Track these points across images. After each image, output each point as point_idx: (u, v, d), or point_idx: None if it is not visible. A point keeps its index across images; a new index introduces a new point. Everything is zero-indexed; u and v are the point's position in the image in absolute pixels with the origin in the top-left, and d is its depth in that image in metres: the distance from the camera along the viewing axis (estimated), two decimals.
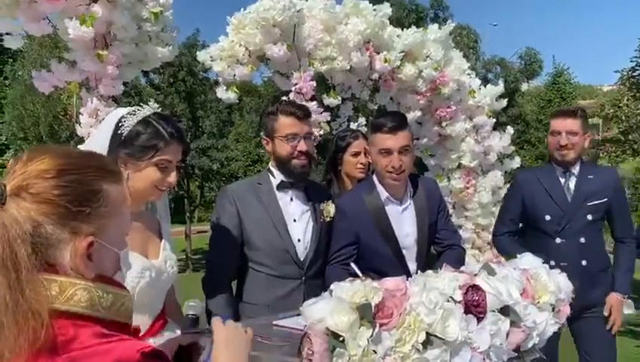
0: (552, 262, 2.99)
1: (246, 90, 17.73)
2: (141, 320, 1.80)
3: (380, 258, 2.49)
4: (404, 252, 2.54)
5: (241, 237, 2.41)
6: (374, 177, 2.59)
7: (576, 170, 3.12)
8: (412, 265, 2.54)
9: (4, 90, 16.38)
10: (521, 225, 3.28)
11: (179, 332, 1.91)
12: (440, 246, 2.69)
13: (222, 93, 3.46)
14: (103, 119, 2.72)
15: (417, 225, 2.56)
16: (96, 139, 1.87)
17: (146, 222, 1.92)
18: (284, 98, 3.27)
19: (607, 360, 3.08)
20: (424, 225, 2.58)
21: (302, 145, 2.39)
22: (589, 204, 3.03)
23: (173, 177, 1.82)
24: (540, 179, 3.17)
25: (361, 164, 3.06)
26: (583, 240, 3.02)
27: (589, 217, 3.02)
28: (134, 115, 1.80)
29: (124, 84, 2.90)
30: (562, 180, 3.12)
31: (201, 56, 3.45)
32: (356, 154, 3.08)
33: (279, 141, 2.41)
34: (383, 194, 2.53)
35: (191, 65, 16.57)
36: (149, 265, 1.80)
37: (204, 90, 17.54)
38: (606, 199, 3.03)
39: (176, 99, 16.76)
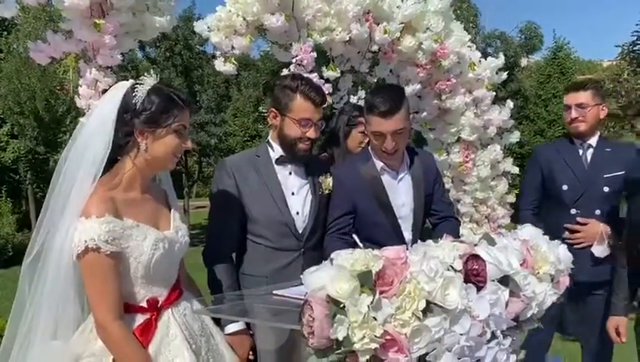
0: (567, 233, 3.05)
1: (243, 64, 17.60)
2: (158, 292, 1.84)
3: (376, 227, 2.52)
4: (399, 221, 2.56)
5: (240, 209, 2.40)
6: (370, 148, 2.60)
7: (593, 141, 3.16)
8: (407, 235, 2.57)
9: None
10: None
11: (195, 301, 1.95)
12: (435, 218, 2.72)
13: (220, 65, 3.41)
14: (103, 90, 2.71)
15: (413, 195, 2.57)
16: (99, 113, 1.83)
17: (154, 193, 1.94)
18: (286, 71, 3.24)
19: (603, 346, 3.09)
20: (420, 195, 2.60)
21: (311, 133, 2.36)
22: (605, 175, 3.04)
23: (189, 143, 1.86)
24: (558, 150, 3.23)
25: (365, 143, 3.09)
26: (598, 211, 3.03)
27: (606, 189, 3.03)
28: (143, 84, 1.78)
29: (122, 57, 2.86)
30: (580, 151, 3.16)
31: (198, 26, 3.39)
32: (364, 132, 3.11)
33: (290, 122, 2.36)
34: (379, 164, 2.56)
35: (187, 38, 16.41)
36: (162, 237, 1.81)
37: (200, 65, 17.39)
38: (623, 172, 3.02)
39: (173, 73, 16.62)
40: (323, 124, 2.47)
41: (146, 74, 1.80)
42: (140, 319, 1.79)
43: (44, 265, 1.73)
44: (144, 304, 1.81)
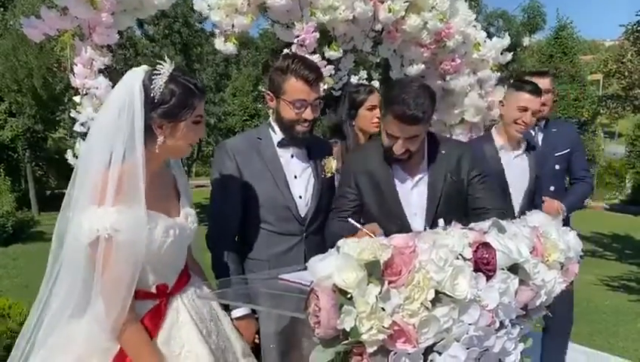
0: None
1: (243, 42, 17.41)
2: (167, 278, 1.82)
3: None
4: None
5: (242, 191, 2.35)
6: (493, 130, 3.22)
7: (542, 123, 3.51)
8: (516, 206, 3.06)
9: None
10: None
11: (204, 286, 1.93)
12: None
13: (220, 44, 3.33)
14: (99, 69, 2.63)
15: (529, 174, 3.10)
16: (115, 105, 1.69)
17: (164, 179, 1.89)
18: (286, 51, 3.16)
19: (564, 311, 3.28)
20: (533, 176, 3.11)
21: (308, 114, 2.28)
22: (556, 154, 3.40)
23: (203, 131, 1.85)
24: None
25: (377, 118, 3.07)
26: (552, 188, 3.32)
27: (557, 167, 3.37)
28: (160, 74, 1.70)
29: (120, 34, 2.78)
30: (532, 133, 3.47)
31: (198, 4, 3.29)
32: (372, 108, 3.11)
33: (285, 104, 2.28)
34: (499, 143, 3.14)
35: (187, 16, 16.22)
36: (173, 224, 1.78)
37: (200, 43, 17.23)
38: (569, 149, 3.43)
39: (172, 51, 16.43)
40: (321, 103, 2.40)
41: (165, 61, 1.70)
42: (149, 305, 1.77)
43: (63, 250, 1.71)
44: (154, 290, 1.79)
